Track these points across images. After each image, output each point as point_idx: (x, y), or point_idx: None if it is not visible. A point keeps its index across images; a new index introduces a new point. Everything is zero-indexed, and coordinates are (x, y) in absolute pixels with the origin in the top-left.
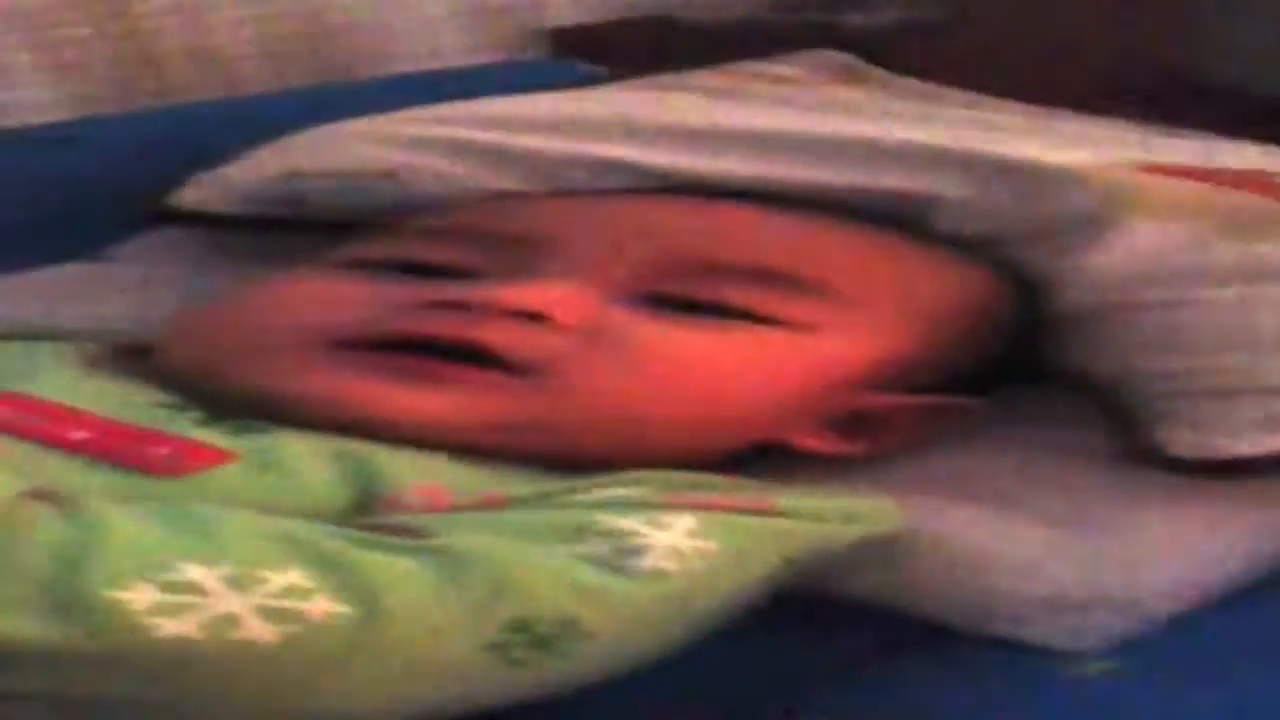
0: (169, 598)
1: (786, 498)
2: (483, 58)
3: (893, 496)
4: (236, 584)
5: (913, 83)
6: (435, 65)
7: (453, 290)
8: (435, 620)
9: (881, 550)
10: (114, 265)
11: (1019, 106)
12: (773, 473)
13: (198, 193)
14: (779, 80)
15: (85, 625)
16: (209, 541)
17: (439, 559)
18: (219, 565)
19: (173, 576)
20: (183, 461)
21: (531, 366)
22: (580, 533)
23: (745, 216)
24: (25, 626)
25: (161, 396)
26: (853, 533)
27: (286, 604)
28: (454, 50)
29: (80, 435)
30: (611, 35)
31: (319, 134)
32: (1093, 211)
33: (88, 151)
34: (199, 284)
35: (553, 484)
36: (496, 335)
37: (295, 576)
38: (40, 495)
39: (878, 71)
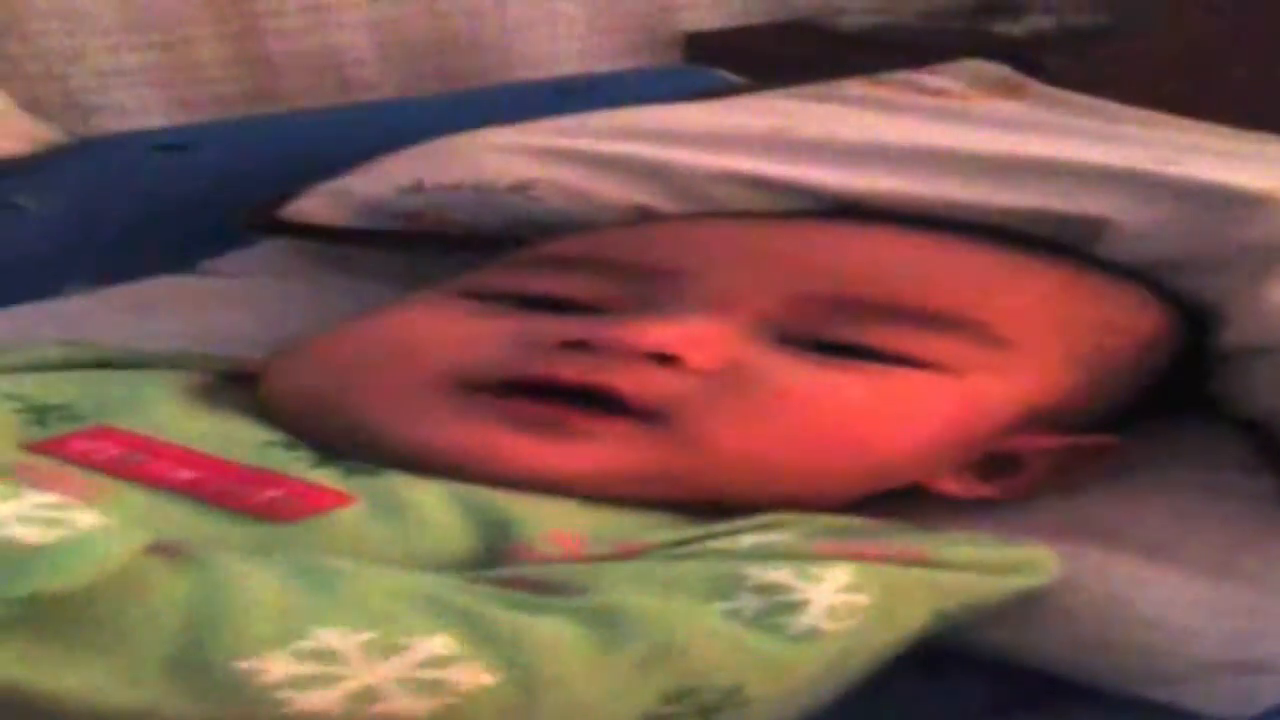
0: (305, 668)
1: (940, 545)
2: (613, 64)
3: (1039, 541)
4: (379, 652)
5: (1075, 96)
6: (564, 72)
7: (581, 328)
8: (593, 690)
9: (1025, 601)
10: (211, 279)
11: (1192, 123)
12: (905, 511)
13: (313, 203)
14: (934, 92)
15: (214, 699)
16: (345, 603)
17: (597, 621)
18: (359, 631)
19: (309, 644)
20: (298, 505)
21: (661, 412)
22: (731, 587)
23: (894, 247)
24: (149, 697)
25: (270, 434)
26: (1011, 585)
27: (433, 674)
28: (583, 56)
29: (188, 475)
30: (748, 41)
31: (445, 144)
32: None
33: (200, 158)
34: (300, 299)
35: (690, 529)
36: (626, 380)
37: (442, 643)
38: (162, 548)
39: (1036, 84)
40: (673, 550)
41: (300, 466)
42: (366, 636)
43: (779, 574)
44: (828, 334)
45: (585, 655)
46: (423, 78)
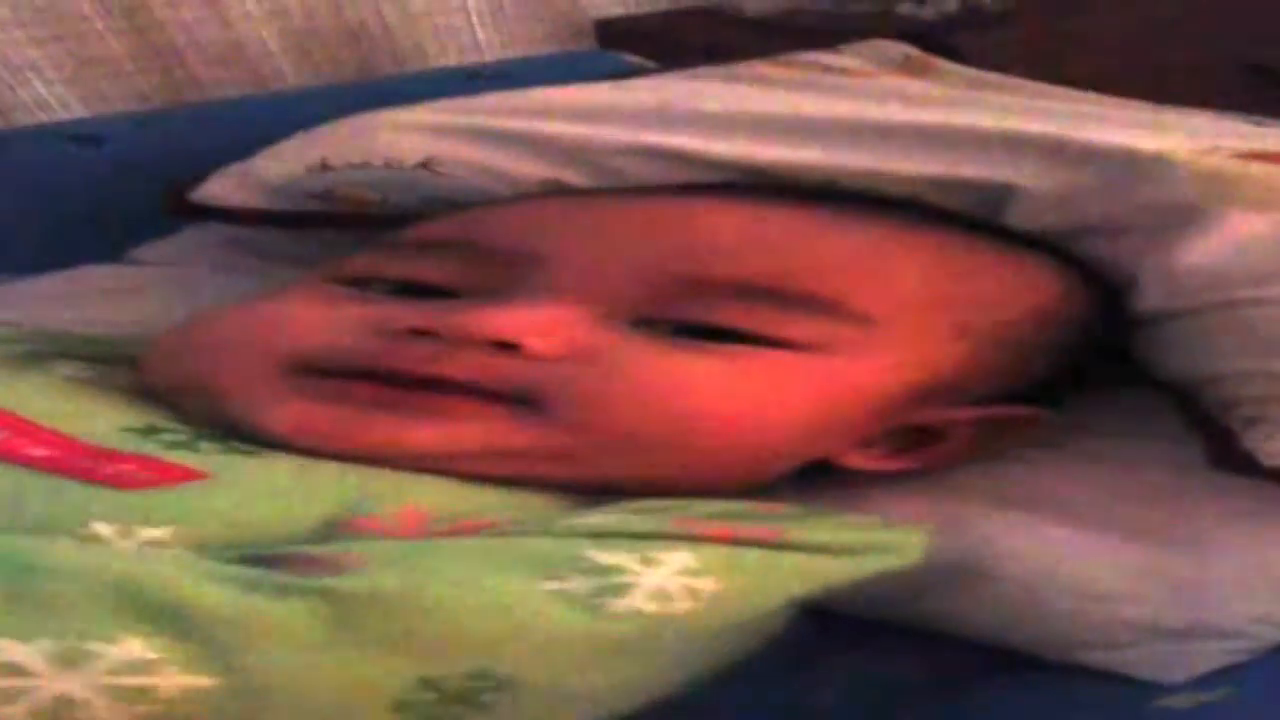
0: None
1: (802, 527)
2: (523, 52)
3: (971, 511)
4: (65, 661)
5: (979, 72)
6: (474, 60)
7: (428, 316)
8: (326, 680)
9: (949, 572)
10: (136, 268)
11: (1095, 96)
12: (829, 488)
13: (222, 186)
14: (839, 71)
15: None
16: (29, 609)
17: (336, 606)
18: (41, 640)
19: None
20: (145, 477)
21: (506, 397)
22: (562, 566)
23: (758, 224)
24: None
25: (132, 420)
26: (868, 567)
27: (132, 680)
28: (492, 44)
29: (43, 452)
30: (658, 27)
31: (348, 124)
32: (1188, 200)
33: (113, 150)
34: (222, 287)
35: (559, 512)
36: (462, 368)
37: (136, 646)
38: None
39: (941, 61)
40: (527, 529)
41: (156, 447)
42: (48, 645)
43: (617, 557)
44: (684, 316)
45: (314, 642)
46: (332, 67)
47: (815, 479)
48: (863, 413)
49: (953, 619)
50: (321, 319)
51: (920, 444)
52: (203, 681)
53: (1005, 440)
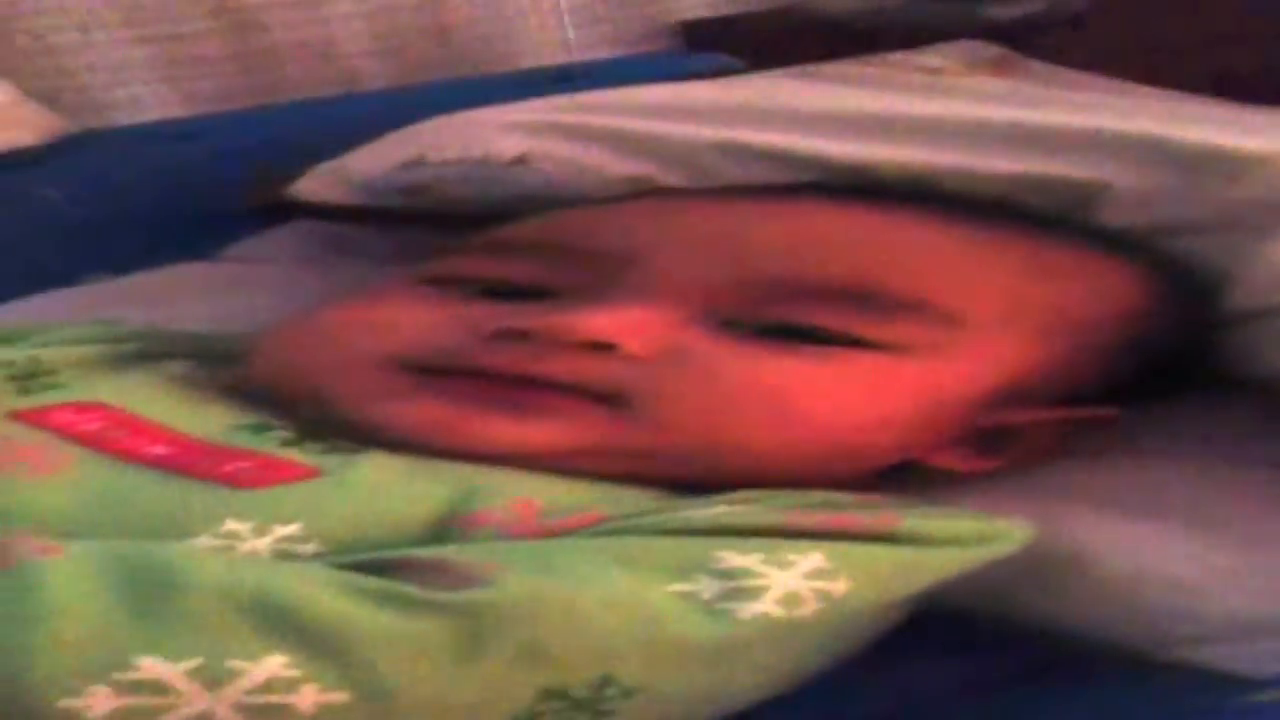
0: (130, 701)
1: (913, 517)
2: (610, 53)
3: (1057, 509)
4: (207, 679)
5: (1068, 72)
6: (561, 61)
7: (521, 316)
8: (456, 696)
9: (1052, 570)
10: (236, 264)
11: (1184, 95)
12: (916, 486)
13: (316, 183)
14: (927, 70)
15: None
16: (171, 625)
17: (463, 623)
18: (184, 659)
19: (131, 675)
20: (261, 475)
21: (606, 394)
22: (693, 568)
23: (846, 226)
24: None
25: (242, 419)
26: (982, 556)
27: (272, 699)
28: (581, 46)
29: (160, 450)
30: (744, 27)
31: (443, 122)
32: None
33: (208, 148)
34: (320, 284)
35: (661, 502)
36: (558, 368)
37: (277, 664)
38: None
39: (1028, 61)
40: (638, 520)
41: (269, 445)
42: (193, 663)
43: (749, 559)
44: (773, 317)
45: (443, 660)
46: (421, 67)
47: (899, 479)
48: (950, 413)
49: (1047, 615)
50: (420, 319)
51: (1003, 444)
52: (339, 698)
53: (1087, 440)
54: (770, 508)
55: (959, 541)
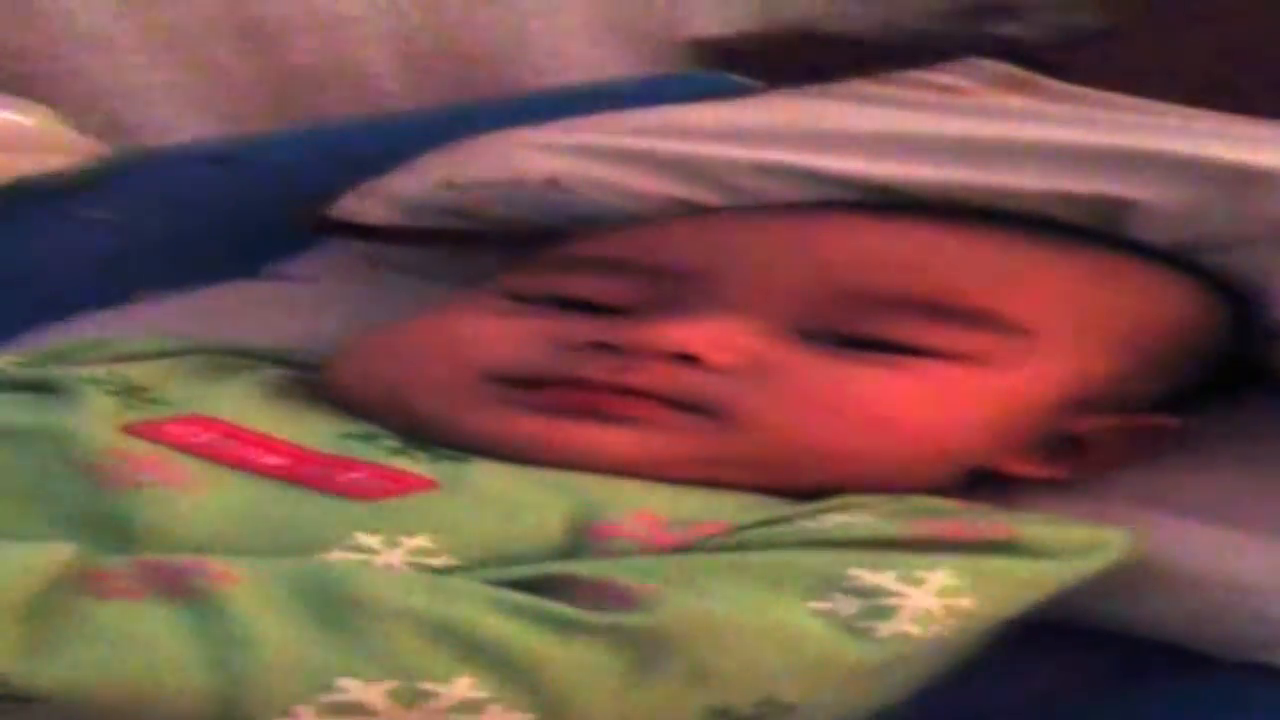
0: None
1: (1029, 526)
2: (621, 72)
3: (1128, 516)
4: (405, 700)
5: (1084, 89)
6: (574, 80)
7: (607, 330)
8: (624, 716)
9: (1126, 576)
10: (282, 282)
11: (1203, 112)
12: (988, 494)
13: (358, 204)
14: (944, 89)
15: None
16: (364, 647)
17: (635, 646)
18: (381, 680)
19: (334, 697)
20: (381, 486)
21: (696, 405)
22: (828, 585)
23: (912, 240)
24: None
25: (347, 426)
26: (1093, 567)
27: (464, 719)
28: (592, 65)
29: (275, 460)
30: (753, 47)
31: (479, 142)
32: None
33: (247, 168)
34: (366, 300)
35: (772, 509)
36: (647, 379)
37: (466, 686)
38: (152, 569)
39: (1044, 80)
40: (765, 532)
41: (379, 454)
42: (390, 685)
43: (882, 577)
44: (849, 329)
45: (619, 686)
46: (441, 88)
47: (973, 486)
48: (1022, 421)
49: (1121, 620)
50: (506, 334)
51: (1074, 452)
52: (524, 718)
53: (1150, 449)
54: (886, 516)
55: (1074, 551)
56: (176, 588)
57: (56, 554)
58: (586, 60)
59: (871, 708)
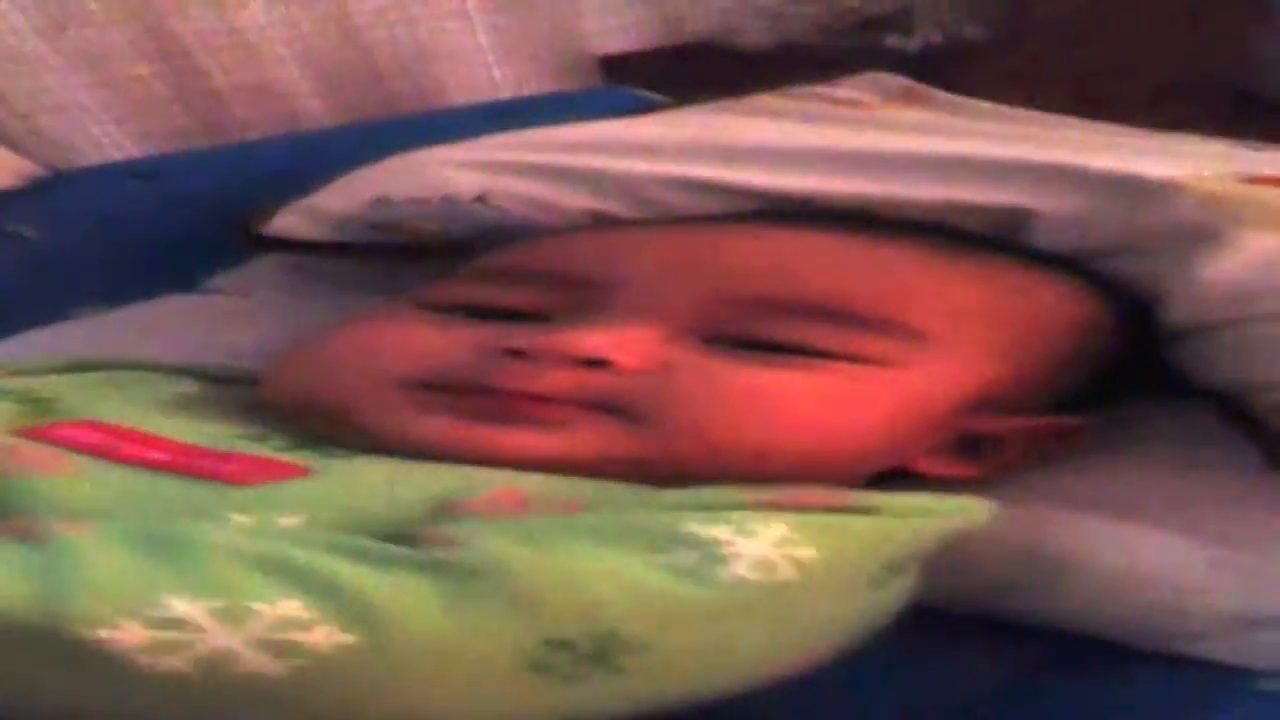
0: (158, 634)
1: (879, 497)
2: (535, 88)
3: (1041, 513)
4: (228, 617)
5: (977, 102)
6: (489, 96)
7: (520, 337)
8: (454, 644)
9: (1043, 571)
10: (216, 296)
11: (1093, 124)
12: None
13: (290, 220)
14: (845, 102)
15: (73, 666)
16: (191, 571)
17: (454, 575)
18: (206, 598)
19: (160, 613)
20: (256, 473)
21: (601, 408)
22: (668, 540)
23: (812, 247)
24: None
25: (242, 430)
26: (950, 527)
27: (286, 636)
28: (506, 82)
29: (159, 455)
30: (660, 61)
31: (406, 160)
32: (1201, 223)
33: (171, 185)
34: (297, 312)
35: (643, 493)
36: (559, 384)
37: (291, 607)
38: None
39: (938, 92)
40: (619, 506)
41: (266, 451)
42: (215, 603)
43: (718, 529)
44: (749, 333)
45: (435, 609)
46: (360, 105)
47: (885, 488)
48: (922, 421)
49: (1045, 615)
50: (429, 342)
51: (981, 453)
52: (350, 639)
53: (1055, 449)
54: (734, 489)
55: (916, 512)
56: (25, 533)
57: None
58: (500, 77)
59: (765, 657)
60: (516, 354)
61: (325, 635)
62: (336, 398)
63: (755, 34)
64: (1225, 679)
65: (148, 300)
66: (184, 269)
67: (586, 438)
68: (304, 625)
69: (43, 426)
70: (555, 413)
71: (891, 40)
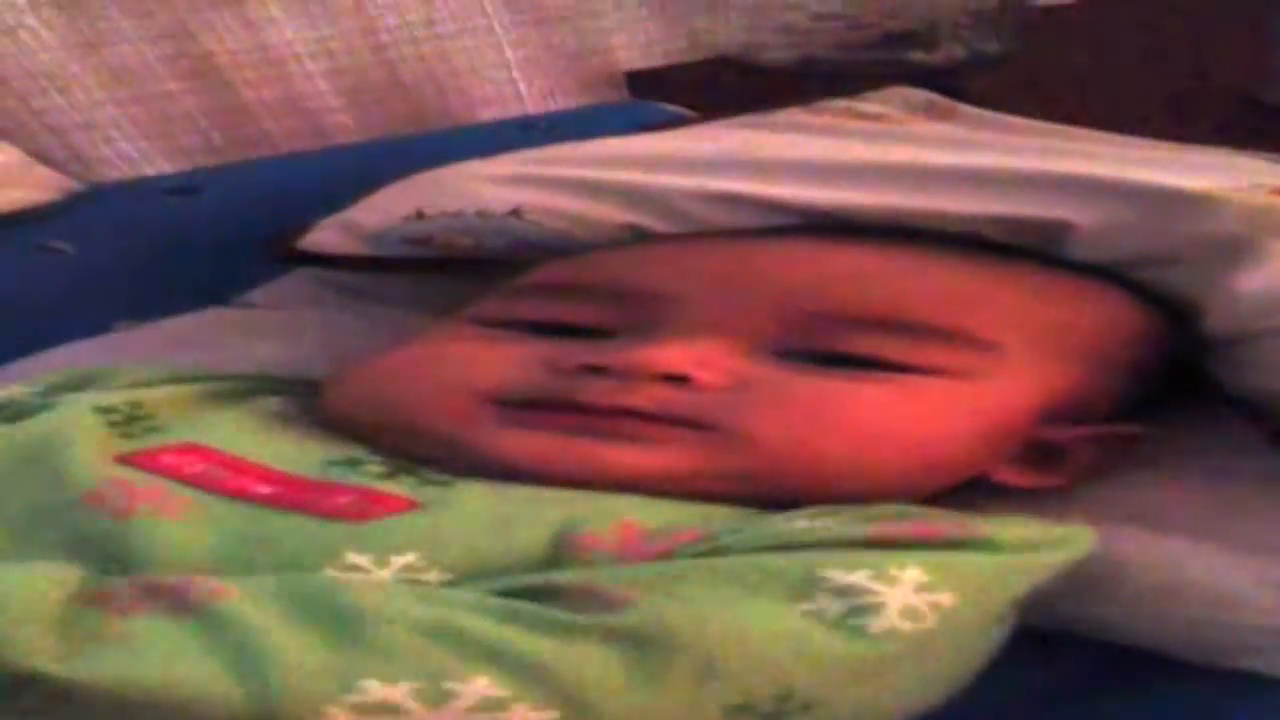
0: None
1: (985, 525)
2: (561, 103)
3: (1104, 531)
4: (431, 700)
5: (1000, 115)
6: (517, 111)
7: (594, 353)
8: (648, 715)
9: (1088, 581)
10: (254, 310)
11: (1117, 137)
12: (959, 508)
13: (324, 235)
14: (872, 116)
15: None
16: (379, 650)
17: (641, 644)
18: (400, 680)
19: (360, 698)
20: (367, 508)
21: (691, 422)
22: (807, 586)
23: (872, 261)
24: None
25: (334, 453)
26: (1063, 560)
27: (490, 716)
28: (533, 97)
29: (265, 489)
30: (684, 77)
31: (441, 174)
32: (1236, 234)
33: (209, 200)
34: (332, 327)
35: (748, 518)
36: (642, 399)
37: (485, 684)
38: (154, 588)
39: (964, 106)
40: (732, 536)
41: (364, 479)
42: (410, 685)
43: (856, 576)
44: (822, 348)
45: (623, 679)
46: (387, 121)
47: (951, 499)
48: (1003, 430)
49: (1090, 624)
50: (498, 358)
51: (1055, 463)
52: (550, 715)
53: (1117, 459)
54: (852, 520)
55: (1039, 545)
56: (176, 603)
57: (70, 572)
58: (527, 92)
59: (906, 707)
60: (596, 370)
61: (523, 713)
62: (413, 413)
63: (779, 50)
64: (1272, 692)
65: (184, 314)
66: (219, 283)
67: (680, 454)
68: (501, 704)
69: (148, 452)
70: (647, 429)
71: (914, 55)
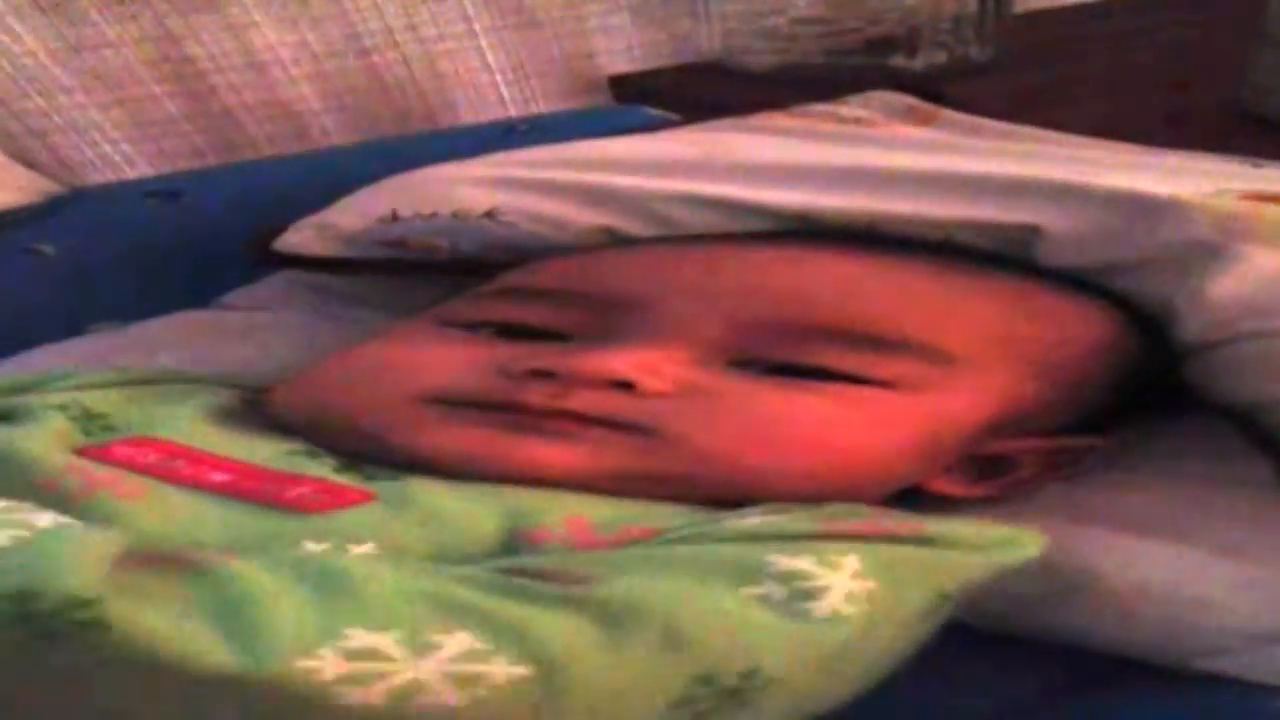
0: (355, 665)
1: (935, 524)
2: (543, 107)
3: (1059, 531)
4: (417, 649)
5: (983, 120)
6: (499, 115)
7: (546, 357)
8: (615, 680)
9: (1058, 585)
10: (228, 312)
11: (1096, 142)
12: (925, 510)
13: (301, 236)
14: (853, 120)
15: (272, 698)
16: (367, 603)
17: (605, 613)
18: (388, 630)
19: (348, 644)
20: (325, 500)
21: (627, 428)
22: (753, 573)
23: (837, 270)
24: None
25: (293, 445)
26: (1003, 561)
27: (468, 668)
28: (515, 101)
29: (222, 477)
30: (667, 82)
31: (416, 177)
32: (1208, 240)
33: (191, 203)
34: (310, 329)
35: (697, 516)
36: (584, 404)
37: (467, 639)
38: (162, 557)
39: (945, 111)
40: (683, 531)
41: (324, 470)
42: (397, 634)
43: (800, 561)
44: (777, 357)
45: (603, 646)
46: (371, 124)
47: (900, 506)
48: (947, 443)
49: (1067, 632)
50: (450, 359)
51: (997, 472)
52: (525, 671)
53: (1071, 468)
54: (804, 516)
55: (983, 545)
56: (179, 564)
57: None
58: (509, 96)
59: (838, 697)
60: (543, 375)
61: (501, 667)
62: (352, 412)
63: (761, 55)
64: (1243, 696)
65: (162, 316)
66: (200, 286)
67: (607, 454)
68: (483, 657)
69: (102, 445)
70: (583, 430)
71: (896, 61)
